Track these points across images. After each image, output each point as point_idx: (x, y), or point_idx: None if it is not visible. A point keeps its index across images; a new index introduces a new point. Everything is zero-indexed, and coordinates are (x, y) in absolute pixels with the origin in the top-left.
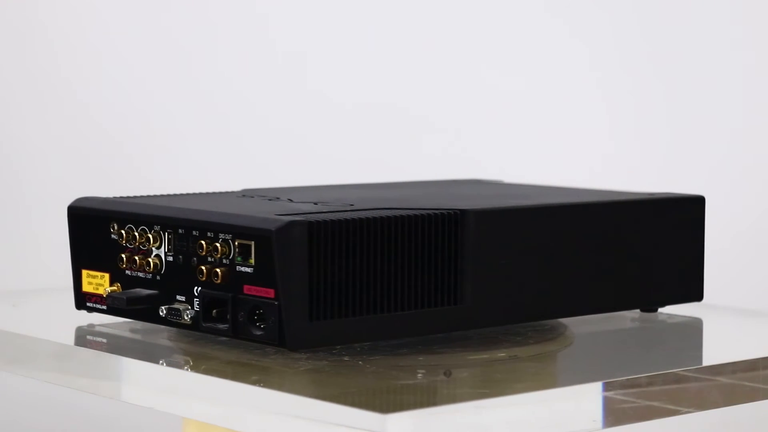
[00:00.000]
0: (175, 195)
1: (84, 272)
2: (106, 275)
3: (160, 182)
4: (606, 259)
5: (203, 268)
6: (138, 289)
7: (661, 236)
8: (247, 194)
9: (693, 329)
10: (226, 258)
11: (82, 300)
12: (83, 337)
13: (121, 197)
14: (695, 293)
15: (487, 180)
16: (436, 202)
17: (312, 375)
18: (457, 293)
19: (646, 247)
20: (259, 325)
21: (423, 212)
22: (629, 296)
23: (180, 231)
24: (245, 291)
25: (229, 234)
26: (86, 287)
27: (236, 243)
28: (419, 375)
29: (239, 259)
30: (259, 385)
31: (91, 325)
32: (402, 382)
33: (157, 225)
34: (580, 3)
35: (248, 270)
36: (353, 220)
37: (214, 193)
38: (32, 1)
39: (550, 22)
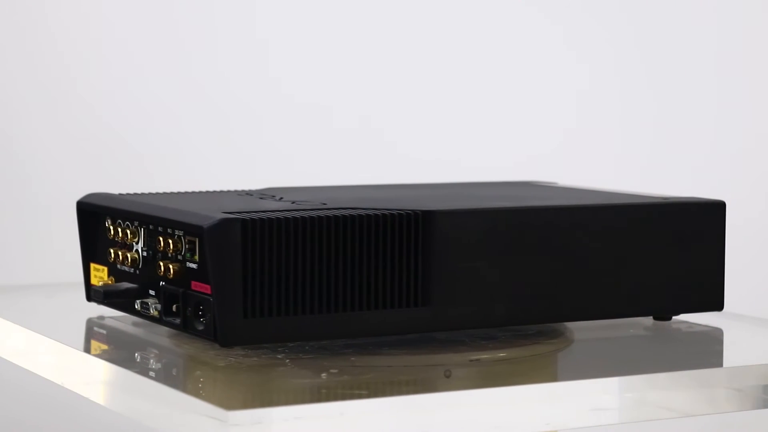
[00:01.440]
0: (174, 193)
1: (92, 266)
2: (106, 269)
3: (187, 180)
4: (605, 263)
5: (161, 263)
6: (120, 283)
7: (674, 241)
8: (255, 193)
9: (698, 335)
10: (180, 254)
11: (90, 292)
12: (90, 329)
13: (123, 194)
14: (714, 302)
15: (539, 182)
16: (411, 204)
17: (222, 371)
18: (419, 295)
19: (658, 253)
20: (202, 321)
21: (381, 212)
22: (636, 303)
23: (150, 227)
24: (192, 287)
25: (181, 231)
26: (93, 280)
27: (186, 240)
28: (323, 375)
29: (188, 255)
30: (150, 375)
31: (101, 317)
32: (298, 380)
33: (136, 221)
34: None
35: (194, 266)
36: (292, 219)
37: (215, 192)
38: (39, 3)
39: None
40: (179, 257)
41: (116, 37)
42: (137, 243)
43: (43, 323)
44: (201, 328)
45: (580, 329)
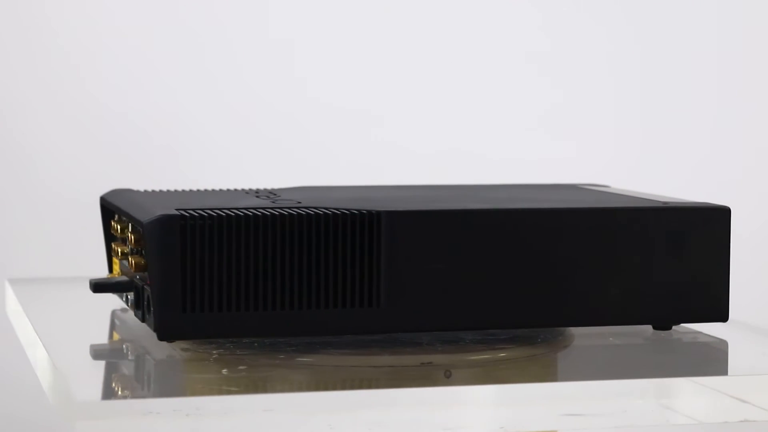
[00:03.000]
0: (186, 191)
1: (113, 259)
2: (119, 262)
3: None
4: (584, 269)
5: (130, 258)
6: (113, 277)
7: (674, 248)
8: (259, 193)
9: (697, 345)
10: (139, 248)
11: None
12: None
13: (142, 190)
14: (717, 312)
15: (587, 185)
16: (371, 204)
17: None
18: (371, 295)
19: (655, 259)
20: (151, 314)
21: (333, 212)
22: (631, 311)
23: (131, 223)
24: (147, 281)
25: (139, 226)
26: (113, 273)
27: (139, 235)
28: (224, 371)
29: (143, 250)
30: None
31: (125, 309)
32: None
33: (125, 217)
34: None
35: (144, 261)
36: (235, 216)
37: (219, 191)
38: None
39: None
40: (140, 251)
41: (123, 34)
42: (128, 238)
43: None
44: (150, 321)
45: (580, 336)
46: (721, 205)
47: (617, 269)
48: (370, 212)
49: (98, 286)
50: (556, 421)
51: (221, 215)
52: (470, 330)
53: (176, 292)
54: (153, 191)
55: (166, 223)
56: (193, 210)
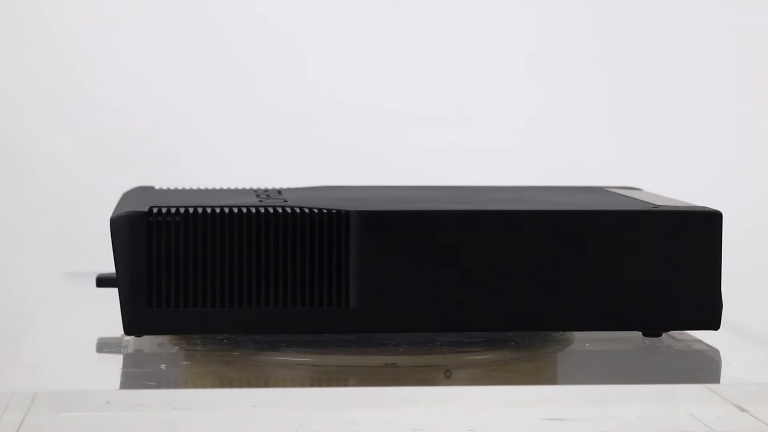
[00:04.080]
0: (199, 189)
1: None
2: None
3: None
4: (567, 272)
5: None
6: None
7: (662, 253)
8: (262, 192)
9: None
10: None
11: None
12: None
13: (164, 188)
14: (709, 320)
15: (617, 188)
16: (345, 204)
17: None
18: (340, 295)
19: (641, 265)
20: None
21: (298, 211)
22: (617, 316)
23: None
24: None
25: None
26: None
27: None
28: (162, 366)
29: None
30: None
31: None
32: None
33: None
34: None
35: None
36: (201, 214)
37: (227, 190)
38: (37, 3)
39: None
40: None
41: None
42: None
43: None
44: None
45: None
46: (713, 209)
47: (603, 273)
48: (338, 212)
49: (99, 282)
50: (536, 426)
51: (187, 213)
52: (443, 332)
53: (142, 287)
54: (168, 189)
55: (130, 220)
56: (166, 207)
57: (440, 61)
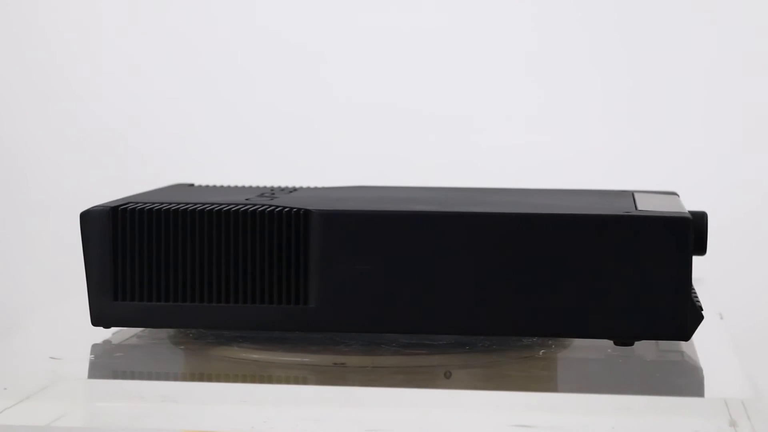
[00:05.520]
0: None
1: None
2: None
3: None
4: (528, 276)
5: None
6: None
7: (626, 260)
8: (267, 190)
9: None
10: None
11: None
12: None
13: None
14: (677, 331)
15: (655, 192)
16: (318, 203)
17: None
18: (299, 293)
19: (606, 271)
20: None
21: (259, 209)
22: (577, 323)
23: None
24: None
25: None
26: None
27: None
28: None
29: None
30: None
31: None
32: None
33: None
34: None
35: None
36: (166, 210)
37: (235, 188)
38: (32, 4)
39: None
40: None
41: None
42: None
43: None
44: None
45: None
46: (683, 213)
47: (568, 279)
48: (298, 210)
49: None
50: None
51: (151, 211)
52: (403, 333)
53: (107, 280)
54: (194, 186)
55: (97, 215)
56: (135, 203)
57: (440, 60)
